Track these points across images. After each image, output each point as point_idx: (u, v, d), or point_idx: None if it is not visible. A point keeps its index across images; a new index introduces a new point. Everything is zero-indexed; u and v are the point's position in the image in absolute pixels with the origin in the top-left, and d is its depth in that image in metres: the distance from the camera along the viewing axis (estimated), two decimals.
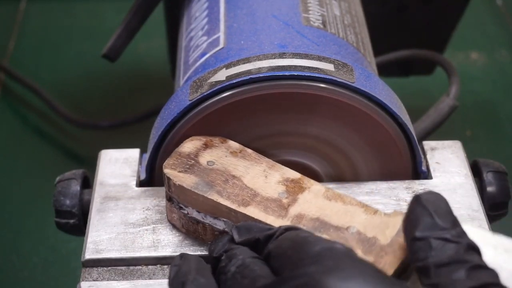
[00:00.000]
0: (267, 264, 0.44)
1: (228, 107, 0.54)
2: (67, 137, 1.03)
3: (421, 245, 0.41)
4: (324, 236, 0.47)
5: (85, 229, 0.54)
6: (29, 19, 1.23)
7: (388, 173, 0.57)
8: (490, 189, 0.57)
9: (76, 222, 0.58)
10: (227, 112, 0.54)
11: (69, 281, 0.84)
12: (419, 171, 0.58)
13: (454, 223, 0.42)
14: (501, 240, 0.43)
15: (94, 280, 0.51)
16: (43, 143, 1.02)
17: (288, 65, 0.54)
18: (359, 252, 0.46)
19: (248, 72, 0.54)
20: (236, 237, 0.46)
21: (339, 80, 0.53)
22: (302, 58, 0.55)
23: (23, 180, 0.97)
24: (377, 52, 0.71)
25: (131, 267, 0.52)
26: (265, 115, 0.55)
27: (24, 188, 0.96)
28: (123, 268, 0.52)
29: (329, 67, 0.54)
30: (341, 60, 0.56)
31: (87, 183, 0.60)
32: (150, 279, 0.51)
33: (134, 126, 0.98)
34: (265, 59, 0.55)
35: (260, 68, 0.54)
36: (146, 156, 0.57)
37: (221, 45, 0.60)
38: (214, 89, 0.54)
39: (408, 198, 0.55)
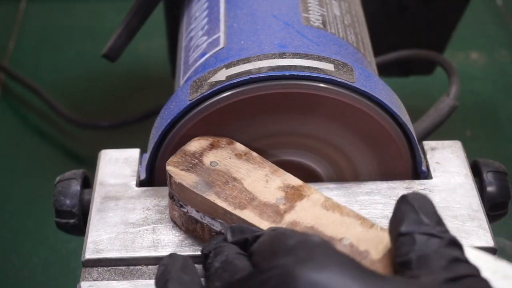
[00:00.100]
0: (250, 260, 0.44)
1: (228, 107, 0.54)
2: (67, 137, 1.03)
3: (405, 240, 0.42)
4: None
5: (85, 229, 0.54)
6: (29, 19, 1.23)
7: (388, 173, 0.57)
8: (490, 189, 0.57)
9: (76, 222, 0.58)
10: (227, 112, 0.54)
11: (69, 281, 0.84)
12: (419, 171, 0.58)
13: (439, 221, 0.43)
14: (502, 265, 0.42)
15: (94, 280, 0.51)
16: (43, 143, 1.02)
17: (288, 65, 0.54)
18: None
19: (248, 72, 0.54)
20: (229, 237, 0.46)
21: (339, 80, 0.53)
22: (302, 58, 0.55)
23: (23, 180, 0.97)
24: (377, 52, 0.71)
25: (131, 267, 0.52)
26: (265, 115, 0.55)
27: (24, 188, 0.96)
28: (123, 268, 0.52)
29: (329, 67, 0.54)
30: (341, 60, 0.56)
31: (87, 183, 0.60)
32: (150, 279, 0.51)
33: (134, 126, 0.98)
34: (265, 59, 0.55)
35: (260, 68, 0.54)
36: (146, 156, 0.57)
37: (221, 45, 0.60)
38: (214, 89, 0.54)
39: None
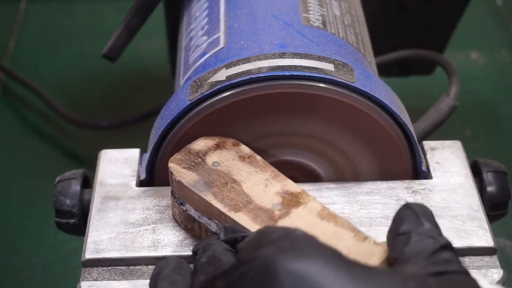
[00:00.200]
0: (236, 257, 0.44)
1: (228, 107, 0.54)
2: (67, 137, 1.03)
3: (402, 238, 0.42)
4: None
5: (85, 229, 0.54)
6: (29, 19, 1.23)
7: (388, 173, 0.57)
8: (490, 189, 0.57)
9: (76, 222, 0.58)
10: (227, 112, 0.54)
11: (69, 281, 0.84)
12: (419, 171, 0.58)
13: (436, 226, 0.43)
14: None
15: (94, 280, 0.51)
16: (43, 143, 1.02)
17: (288, 65, 0.54)
18: None
19: (248, 72, 0.54)
20: (221, 235, 0.46)
21: (339, 80, 0.53)
22: (302, 58, 0.55)
23: (23, 180, 0.97)
24: (377, 52, 0.71)
25: (131, 267, 0.52)
26: (265, 115, 0.55)
27: (24, 188, 0.96)
28: (123, 268, 0.52)
29: (329, 67, 0.54)
30: (341, 60, 0.56)
31: (87, 183, 0.60)
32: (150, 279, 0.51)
33: (134, 126, 0.98)
34: (265, 59, 0.55)
35: (260, 68, 0.54)
36: (146, 156, 0.57)
37: (221, 45, 0.60)
38: (214, 89, 0.54)
39: (408, 198, 0.55)
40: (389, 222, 0.53)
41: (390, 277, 0.38)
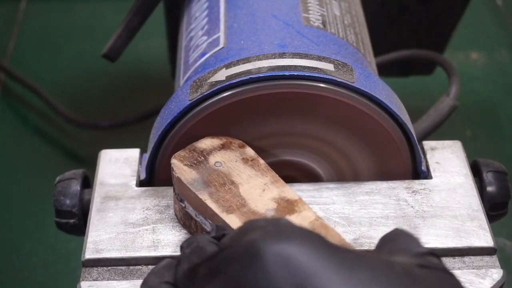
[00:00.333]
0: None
1: (228, 107, 0.54)
2: (67, 137, 1.03)
3: (388, 239, 0.41)
4: None
5: (85, 229, 0.54)
6: (29, 19, 1.23)
7: (388, 173, 0.57)
8: (490, 189, 0.57)
9: (76, 222, 0.58)
10: (227, 112, 0.54)
11: (69, 281, 0.84)
12: (419, 171, 0.58)
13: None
14: None
15: (94, 280, 0.51)
16: (43, 143, 1.03)
17: (288, 65, 0.54)
18: None
19: (248, 72, 0.54)
20: (212, 234, 0.46)
21: (339, 80, 0.53)
22: (302, 58, 0.55)
23: (23, 180, 0.97)
24: (377, 52, 0.71)
25: (131, 267, 0.52)
26: (265, 115, 0.55)
27: (24, 188, 0.96)
28: (123, 268, 0.52)
29: (329, 67, 0.54)
30: (341, 60, 0.56)
31: (87, 183, 0.60)
32: None
33: (134, 126, 0.98)
34: (265, 59, 0.55)
35: (260, 68, 0.54)
36: (146, 156, 0.57)
37: (221, 45, 0.60)
38: (214, 89, 0.54)
39: (408, 198, 0.55)
40: (389, 222, 0.53)
41: (377, 260, 0.37)
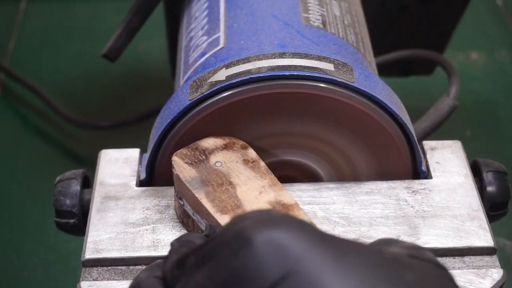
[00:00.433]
0: None
1: (228, 107, 0.54)
2: (67, 137, 1.03)
3: (381, 240, 0.41)
4: None
5: (85, 229, 0.54)
6: (29, 19, 1.23)
7: (388, 173, 0.57)
8: (490, 189, 0.57)
9: (76, 222, 0.58)
10: (227, 112, 0.54)
11: (69, 281, 0.84)
12: (419, 171, 0.58)
13: None
14: None
15: (94, 280, 0.51)
16: (43, 143, 1.03)
17: (288, 65, 0.54)
18: None
19: (248, 72, 0.54)
20: (205, 232, 0.46)
21: (339, 80, 0.53)
22: (302, 58, 0.55)
23: (23, 180, 0.97)
24: (377, 52, 0.71)
25: (131, 267, 0.52)
26: (265, 114, 0.55)
27: (24, 188, 0.96)
28: (123, 268, 0.52)
29: (329, 67, 0.54)
30: (341, 60, 0.56)
31: (87, 183, 0.60)
32: None
33: (134, 126, 0.98)
34: (265, 59, 0.55)
35: (260, 68, 0.54)
36: (146, 156, 0.57)
37: (221, 45, 0.60)
38: (214, 89, 0.54)
39: (408, 198, 0.55)
40: (389, 222, 0.53)
41: (366, 247, 0.37)
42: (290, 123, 0.55)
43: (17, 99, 1.08)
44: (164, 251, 0.52)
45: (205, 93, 0.54)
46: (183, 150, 0.53)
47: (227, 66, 0.55)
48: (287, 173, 0.57)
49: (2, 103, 1.08)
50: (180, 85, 0.62)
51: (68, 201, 0.57)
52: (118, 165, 0.59)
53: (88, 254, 0.52)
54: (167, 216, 0.54)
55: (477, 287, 0.50)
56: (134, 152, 0.60)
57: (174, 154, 0.53)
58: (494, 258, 0.52)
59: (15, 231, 0.91)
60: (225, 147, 0.54)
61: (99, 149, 0.61)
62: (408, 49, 0.84)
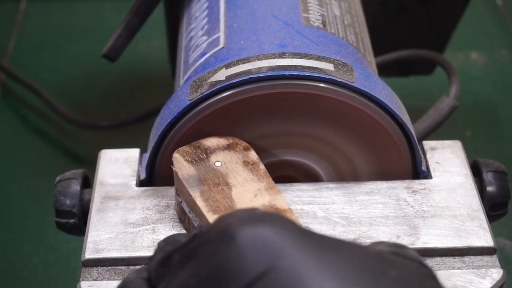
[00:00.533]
0: None
1: (228, 107, 0.54)
2: (67, 137, 1.03)
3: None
4: None
5: (85, 229, 0.54)
6: (29, 19, 1.23)
7: (388, 173, 0.57)
8: (490, 189, 0.57)
9: (76, 221, 0.58)
10: (227, 112, 0.54)
11: (69, 281, 0.84)
12: (419, 171, 0.58)
13: None
14: None
15: (94, 280, 0.51)
16: (43, 143, 1.02)
17: (288, 65, 0.54)
18: None
19: (248, 72, 0.54)
20: (195, 231, 0.46)
21: (339, 80, 0.53)
22: (302, 58, 0.55)
23: (23, 180, 0.97)
24: (377, 52, 0.71)
25: (131, 267, 0.52)
26: (265, 115, 0.55)
27: (24, 188, 0.96)
28: (123, 267, 0.52)
29: (329, 67, 0.54)
30: (341, 60, 0.56)
31: (87, 183, 0.60)
32: None
33: (134, 126, 0.98)
34: (265, 59, 0.55)
35: (260, 68, 0.54)
36: (146, 156, 0.57)
37: (221, 45, 0.60)
38: (214, 89, 0.54)
39: (408, 197, 0.55)
40: (389, 222, 0.53)
41: (350, 244, 0.37)
42: (290, 123, 0.55)
43: (17, 99, 1.08)
44: None
45: (205, 93, 0.54)
46: (185, 148, 0.53)
47: (227, 66, 0.55)
48: (287, 173, 0.57)
49: (2, 103, 1.08)
50: (180, 85, 0.62)
51: (68, 201, 0.57)
52: (118, 165, 0.59)
53: (88, 254, 0.52)
54: (167, 216, 0.54)
55: (477, 287, 0.50)
56: (134, 152, 0.60)
57: (176, 151, 0.53)
58: (494, 258, 0.52)
59: (15, 231, 0.91)
60: (228, 147, 0.54)
61: (99, 149, 0.61)
62: (408, 49, 0.84)
